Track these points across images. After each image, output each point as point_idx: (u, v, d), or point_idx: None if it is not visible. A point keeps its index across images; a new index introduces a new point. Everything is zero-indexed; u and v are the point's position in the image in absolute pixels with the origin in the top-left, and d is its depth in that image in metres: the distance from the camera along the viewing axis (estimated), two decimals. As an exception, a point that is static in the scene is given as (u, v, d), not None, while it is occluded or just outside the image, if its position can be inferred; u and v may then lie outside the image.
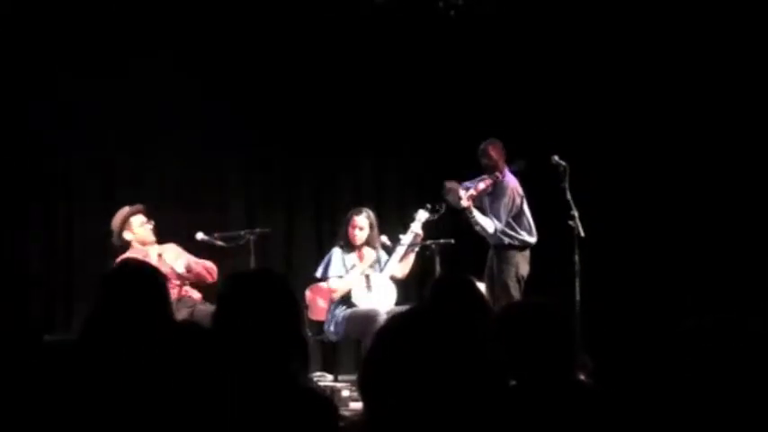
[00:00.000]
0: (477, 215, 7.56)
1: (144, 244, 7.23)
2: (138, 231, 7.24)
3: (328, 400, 3.00)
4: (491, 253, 7.74)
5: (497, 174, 7.60)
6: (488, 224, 7.57)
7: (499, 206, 7.62)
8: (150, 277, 3.54)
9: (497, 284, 7.49)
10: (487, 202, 7.70)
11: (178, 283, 7.13)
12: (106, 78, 8.29)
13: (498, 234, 7.58)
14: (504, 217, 7.60)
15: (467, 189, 7.56)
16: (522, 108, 8.80)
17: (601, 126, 8.79)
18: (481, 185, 7.60)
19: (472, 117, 8.85)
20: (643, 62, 8.73)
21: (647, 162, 8.70)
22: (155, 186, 8.60)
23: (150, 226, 7.27)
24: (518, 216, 7.67)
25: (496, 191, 7.66)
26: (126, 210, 7.28)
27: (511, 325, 3.05)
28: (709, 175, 8.54)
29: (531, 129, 8.56)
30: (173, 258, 7.25)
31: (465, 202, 7.51)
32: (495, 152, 7.63)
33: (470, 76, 9.03)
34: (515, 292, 7.51)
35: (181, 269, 7.15)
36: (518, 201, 7.67)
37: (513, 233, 7.64)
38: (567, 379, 2.98)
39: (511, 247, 7.64)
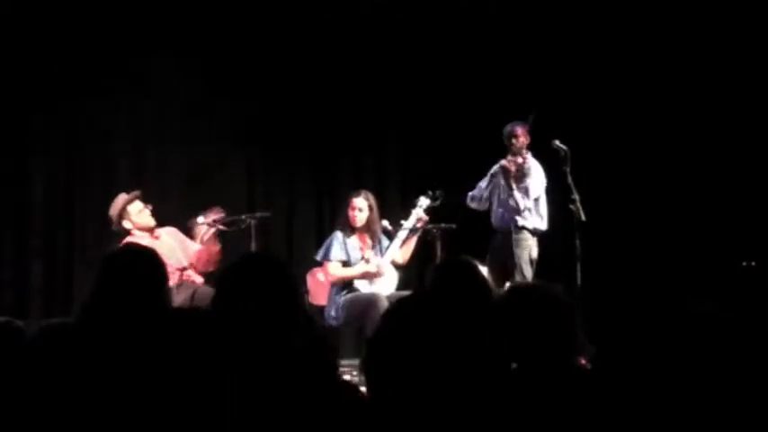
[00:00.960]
0: (515, 188, 7.61)
1: (143, 230, 7.23)
2: (136, 219, 7.23)
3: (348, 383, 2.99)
4: (499, 237, 7.74)
5: (524, 156, 7.62)
6: (520, 199, 7.59)
7: (527, 186, 7.64)
8: (150, 260, 3.54)
9: (510, 268, 7.50)
10: (513, 183, 7.69)
11: (179, 268, 7.16)
12: (109, 71, 8.34)
13: (523, 213, 7.61)
14: (532, 196, 7.64)
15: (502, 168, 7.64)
16: (523, 93, 8.78)
17: (602, 110, 8.79)
18: (519, 160, 7.63)
19: (473, 103, 8.86)
20: (644, 45, 8.73)
21: (648, 146, 8.71)
22: (156, 170, 8.63)
23: (148, 211, 7.26)
24: (537, 201, 7.71)
25: (524, 171, 7.67)
26: (122, 198, 7.25)
27: (512, 308, 3.05)
28: (711, 160, 8.54)
29: (532, 113, 8.54)
30: (173, 247, 7.27)
31: (515, 164, 7.57)
32: (522, 134, 7.65)
33: (470, 62, 9.03)
34: (529, 275, 7.54)
35: (184, 262, 7.21)
36: (540, 188, 7.70)
37: (528, 216, 7.67)
38: (567, 363, 2.98)
39: (523, 228, 7.66)
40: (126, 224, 7.21)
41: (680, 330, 3.08)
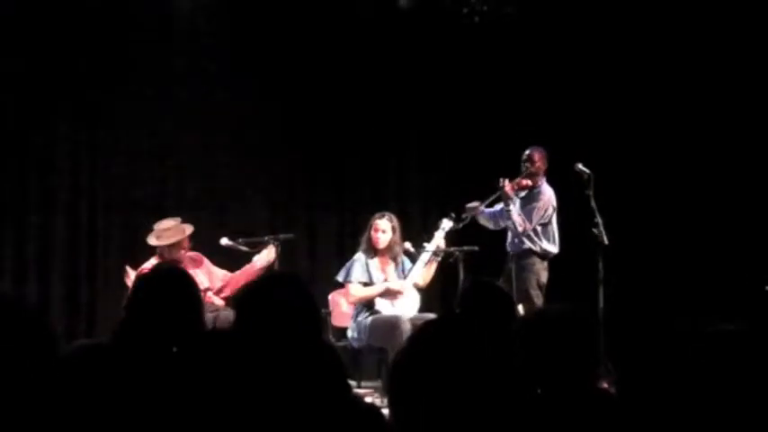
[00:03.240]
0: (512, 209, 7.59)
1: (171, 259, 7.33)
2: (179, 250, 7.33)
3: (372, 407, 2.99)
4: (510, 260, 7.75)
5: (537, 179, 7.63)
6: (519, 222, 7.58)
7: (532, 210, 7.64)
8: (184, 279, 3.55)
9: (518, 292, 7.48)
10: (519, 203, 7.70)
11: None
12: (129, 83, 8.39)
13: (523, 236, 7.60)
14: (535, 221, 7.63)
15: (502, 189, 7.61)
16: (547, 115, 8.79)
17: (625, 134, 8.78)
18: (524, 182, 7.63)
19: (496, 125, 8.86)
20: (669, 70, 8.71)
21: (671, 170, 8.68)
22: (178, 191, 8.66)
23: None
24: (546, 225, 7.70)
25: (532, 195, 7.69)
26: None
27: (534, 332, 3.04)
28: (735, 184, 8.51)
29: (556, 136, 8.54)
30: (195, 271, 7.36)
31: (508, 190, 7.54)
32: (539, 159, 7.67)
33: (495, 83, 9.03)
34: (537, 300, 7.53)
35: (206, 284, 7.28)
36: (550, 211, 7.70)
37: (536, 239, 7.66)
38: (590, 387, 2.97)
39: (532, 253, 7.65)
40: (173, 252, 7.30)
41: (704, 353, 3.07)
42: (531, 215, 7.64)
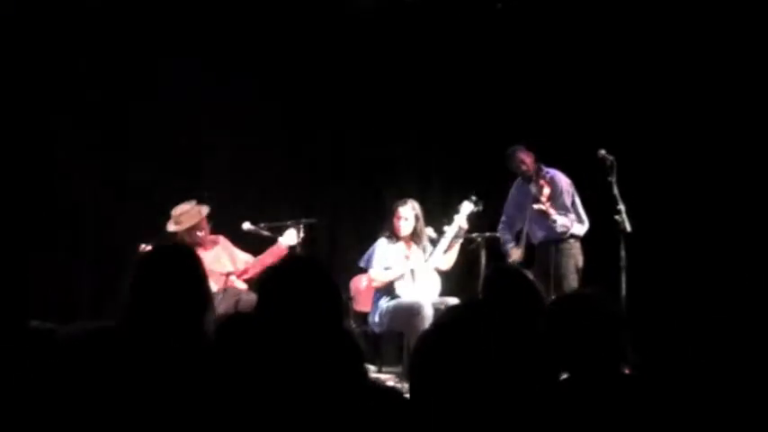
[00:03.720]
0: (557, 218, 7.60)
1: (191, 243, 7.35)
2: (198, 233, 7.36)
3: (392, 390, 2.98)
4: (544, 247, 7.74)
5: (543, 174, 7.63)
6: (567, 221, 7.61)
7: (564, 200, 7.69)
8: (184, 257, 3.44)
9: (555, 278, 7.49)
10: (552, 214, 7.69)
11: (223, 273, 7.25)
12: (149, 71, 8.42)
13: (571, 231, 7.63)
14: (570, 207, 7.66)
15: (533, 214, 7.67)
16: (570, 101, 8.75)
17: (649, 119, 8.72)
18: (546, 190, 7.63)
19: (519, 109, 8.83)
20: (693, 54, 8.65)
21: (695, 156, 8.63)
22: (202, 177, 8.67)
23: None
24: (574, 204, 7.73)
25: (552, 188, 7.68)
26: (206, 210, 7.42)
27: (562, 316, 3.03)
28: (760, 169, 8.45)
29: (579, 122, 8.52)
30: (218, 253, 7.38)
31: (552, 213, 7.57)
32: (527, 157, 7.72)
33: (517, 68, 9.00)
34: (574, 284, 7.56)
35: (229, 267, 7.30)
36: (571, 189, 7.74)
37: (577, 223, 7.70)
38: (617, 371, 2.97)
39: (571, 237, 7.67)
40: (194, 235, 7.36)
41: (726, 339, 3.07)
42: (566, 204, 7.66)
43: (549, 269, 7.61)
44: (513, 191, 8.01)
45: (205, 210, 7.40)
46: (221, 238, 7.57)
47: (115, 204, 8.40)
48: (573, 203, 7.76)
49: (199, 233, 7.37)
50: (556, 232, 7.64)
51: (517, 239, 7.87)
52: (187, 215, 7.37)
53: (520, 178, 7.89)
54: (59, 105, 8.20)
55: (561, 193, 7.71)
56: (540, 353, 2.90)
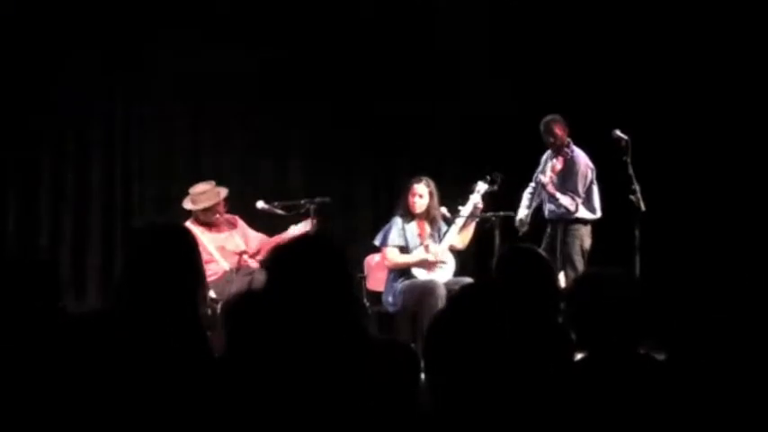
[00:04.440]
0: (559, 197, 7.58)
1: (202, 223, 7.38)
2: (213, 214, 7.40)
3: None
4: (552, 227, 7.74)
5: (567, 150, 7.61)
6: (569, 202, 7.59)
7: (576, 182, 7.65)
8: (179, 237, 3.37)
9: (561, 258, 7.50)
10: (559, 179, 7.68)
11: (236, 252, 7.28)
12: (161, 47, 8.42)
13: (576, 212, 7.62)
14: (581, 190, 7.63)
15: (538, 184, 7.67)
16: (584, 81, 8.72)
17: (663, 99, 8.69)
18: (558, 166, 7.62)
19: (533, 89, 8.80)
20: (708, 31, 8.60)
21: (710, 135, 8.59)
22: (215, 155, 8.69)
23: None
24: (589, 190, 7.70)
25: (568, 167, 7.67)
26: (224, 192, 7.45)
27: (583, 295, 3.03)
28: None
29: (593, 102, 8.48)
30: (232, 233, 7.45)
31: (550, 189, 7.56)
32: (559, 129, 7.66)
33: (533, 47, 8.97)
34: (580, 266, 7.56)
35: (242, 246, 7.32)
36: (590, 175, 7.71)
37: (582, 208, 7.68)
38: (635, 351, 2.97)
39: (577, 221, 7.66)
40: (208, 216, 7.40)
41: (742, 318, 3.06)
42: (577, 188, 7.64)
43: (556, 247, 7.60)
44: (543, 158, 7.97)
45: (224, 192, 7.44)
46: (238, 220, 7.60)
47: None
48: (588, 189, 7.73)
49: (215, 215, 7.40)
50: (561, 211, 7.64)
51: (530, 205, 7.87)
52: (205, 195, 7.39)
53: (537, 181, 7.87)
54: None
55: (575, 174, 7.67)
56: (554, 332, 2.89)
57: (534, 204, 7.86)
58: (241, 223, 7.59)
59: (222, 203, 7.45)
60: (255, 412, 2.64)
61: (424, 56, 9.01)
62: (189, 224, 7.26)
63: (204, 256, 7.14)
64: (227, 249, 7.37)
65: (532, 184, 7.95)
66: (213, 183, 7.48)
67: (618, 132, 7.54)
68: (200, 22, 8.48)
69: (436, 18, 8.99)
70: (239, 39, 8.55)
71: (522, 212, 7.83)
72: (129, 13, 8.32)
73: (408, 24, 8.96)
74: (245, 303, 2.90)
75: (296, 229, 7.37)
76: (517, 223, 7.78)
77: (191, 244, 3.33)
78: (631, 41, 8.77)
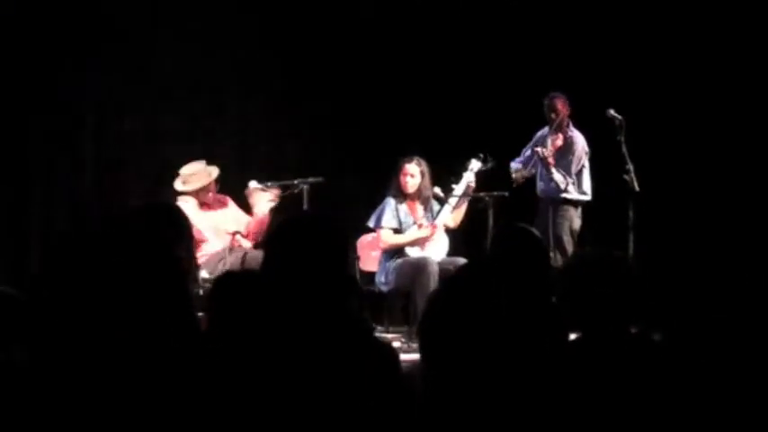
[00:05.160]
0: (554, 171, 7.57)
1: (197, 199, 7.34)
2: (207, 193, 7.37)
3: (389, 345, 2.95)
4: (543, 206, 7.74)
5: (567, 129, 7.63)
6: (561, 179, 7.59)
7: (570, 161, 7.65)
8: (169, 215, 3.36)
9: (554, 236, 7.51)
10: (556, 156, 7.67)
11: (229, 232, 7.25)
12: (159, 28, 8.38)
13: (565, 192, 7.61)
14: (573, 171, 7.65)
15: (536, 155, 7.59)
16: (579, 60, 8.69)
17: (658, 79, 8.67)
18: (558, 142, 7.63)
19: (527, 69, 8.77)
20: (703, 11, 8.58)
21: (704, 115, 8.58)
22: (208, 135, 8.65)
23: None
24: (580, 173, 7.71)
25: (567, 146, 7.69)
26: (216, 171, 7.43)
27: (573, 276, 3.02)
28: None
29: (588, 81, 8.46)
30: (225, 213, 7.45)
31: (551, 160, 7.54)
32: (562, 106, 7.64)
33: (526, 27, 8.93)
34: (569, 246, 7.57)
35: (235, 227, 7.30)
36: (584, 158, 7.71)
37: (571, 188, 7.66)
38: (629, 331, 2.96)
39: (567, 201, 7.66)
40: (202, 196, 7.39)
41: (734, 299, 3.05)
42: (570, 167, 7.65)
43: (547, 227, 7.59)
44: (536, 135, 7.94)
45: (215, 172, 7.41)
46: (229, 200, 7.58)
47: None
48: (579, 172, 7.73)
49: (207, 194, 7.38)
50: (551, 188, 7.63)
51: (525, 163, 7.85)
52: (196, 177, 7.37)
53: (547, 127, 7.82)
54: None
55: (572, 154, 7.69)
56: (548, 312, 2.89)
57: (528, 169, 7.80)
58: (231, 203, 7.57)
59: (213, 183, 7.43)
60: (241, 394, 2.62)
61: (413, 33, 8.95)
62: (181, 203, 7.24)
63: (196, 236, 7.14)
64: (220, 229, 7.35)
65: (519, 159, 7.90)
66: (204, 162, 7.46)
67: (612, 112, 7.54)
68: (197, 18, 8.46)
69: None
70: (233, 29, 8.53)
71: (516, 165, 7.80)
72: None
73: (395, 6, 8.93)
74: (235, 281, 2.88)
75: (259, 209, 7.34)
76: (512, 170, 7.73)
77: (183, 223, 3.29)
78: (625, 21, 8.74)
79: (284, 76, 8.77)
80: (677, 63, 8.66)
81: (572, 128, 7.74)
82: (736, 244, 8.00)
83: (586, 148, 7.75)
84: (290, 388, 2.61)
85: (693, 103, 8.61)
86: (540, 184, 7.83)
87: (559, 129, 7.67)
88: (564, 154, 7.70)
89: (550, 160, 7.59)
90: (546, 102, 7.72)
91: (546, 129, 7.83)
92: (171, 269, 2.96)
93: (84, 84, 8.24)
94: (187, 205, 7.15)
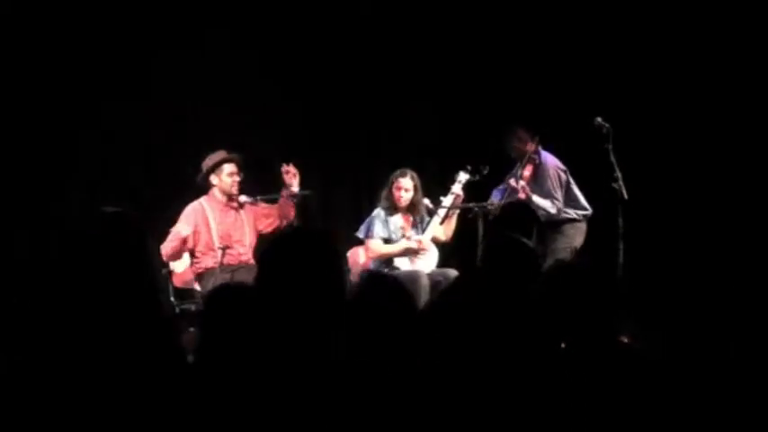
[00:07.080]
0: (536, 199, 7.58)
1: (224, 193, 7.28)
2: (224, 180, 7.31)
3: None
4: (543, 230, 7.72)
5: (533, 157, 7.64)
6: (548, 205, 7.61)
7: (549, 188, 7.66)
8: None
9: (548, 253, 7.50)
10: (535, 185, 7.69)
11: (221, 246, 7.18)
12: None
13: (561, 214, 7.63)
14: (560, 195, 7.65)
15: (509, 187, 7.60)
16: (565, 69, 8.71)
17: (645, 86, 8.69)
18: (526, 173, 7.65)
19: (515, 78, 8.79)
20: (689, 17, 8.60)
21: (691, 122, 8.60)
22: (198, 147, 8.64)
23: (238, 179, 7.35)
24: (568, 191, 7.73)
25: (539, 173, 7.70)
26: (221, 153, 7.35)
27: (557, 286, 3.03)
28: (757, 133, 8.43)
29: (574, 90, 8.48)
30: (243, 221, 7.38)
31: (522, 195, 7.55)
32: (517, 140, 7.72)
33: (512, 36, 8.95)
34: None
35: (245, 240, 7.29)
36: (563, 177, 7.73)
37: (568, 209, 7.69)
38: (613, 341, 2.97)
39: (566, 221, 7.68)
40: (213, 179, 7.33)
41: (723, 307, 3.07)
42: (554, 193, 7.66)
43: (545, 241, 7.62)
44: (516, 165, 7.96)
45: (220, 154, 7.38)
46: (247, 206, 7.49)
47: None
48: (567, 190, 7.75)
49: (232, 187, 7.33)
50: (542, 212, 7.62)
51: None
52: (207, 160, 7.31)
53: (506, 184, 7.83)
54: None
55: (547, 179, 7.70)
56: (539, 322, 2.89)
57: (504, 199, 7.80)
58: (248, 208, 7.47)
59: (237, 175, 7.32)
60: (230, 406, 2.63)
61: (403, 47, 8.97)
62: (203, 201, 7.18)
63: (200, 248, 7.11)
64: (233, 238, 7.26)
65: (502, 186, 7.92)
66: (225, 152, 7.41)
67: (599, 120, 7.55)
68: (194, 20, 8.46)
69: (415, 10, 8.96)
70: (220, 34, 8.53)
71: (495, 197, 7.79)
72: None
73: (386, 18, 8.93)
74: (228, 295, 2.89)
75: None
76: (491, 200, 7.71)
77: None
78: (612, 29, 8.76)
79: (272, 88, 8.77)
80: (665, 71, 8.68)
81: (540, 152, 7.77)
82: (725, 251, 8.02)
83: (561, 167, 7.79)
84: (284, 399, 2.62)
85: (681, 111, 8.63)
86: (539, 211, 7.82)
87: (526, 160, 7.68)
88: (540, 180, 7.75)
89: (521, 194, 7.56)
90: (505, 139, 7.79)
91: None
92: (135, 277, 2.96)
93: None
94: (207, 204, 7.18)
